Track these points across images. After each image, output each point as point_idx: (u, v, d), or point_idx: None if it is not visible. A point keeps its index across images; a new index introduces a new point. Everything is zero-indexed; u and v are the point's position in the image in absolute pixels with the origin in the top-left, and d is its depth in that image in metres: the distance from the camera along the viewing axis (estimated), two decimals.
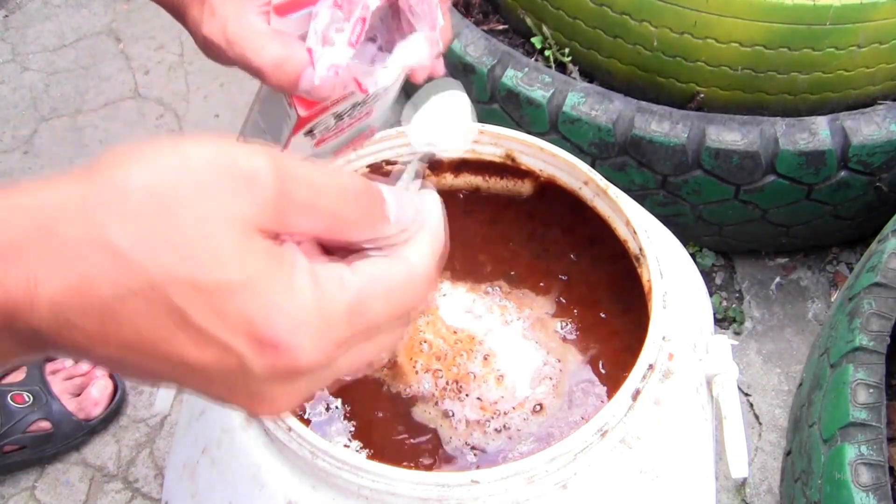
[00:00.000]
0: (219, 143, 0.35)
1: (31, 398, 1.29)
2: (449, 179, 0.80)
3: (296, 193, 0.36)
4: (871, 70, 1.27)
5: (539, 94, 1.31)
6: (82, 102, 1.81)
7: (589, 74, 1.40)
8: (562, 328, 0.79)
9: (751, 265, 1.52)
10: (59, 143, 1.74)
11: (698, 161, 1.27)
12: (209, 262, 0.33)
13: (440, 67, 0.61)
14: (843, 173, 1.27)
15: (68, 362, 1.35)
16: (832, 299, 1.48)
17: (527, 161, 0.76)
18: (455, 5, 1.46)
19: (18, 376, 1.32)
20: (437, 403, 0.74)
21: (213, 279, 0.33)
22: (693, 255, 1.44)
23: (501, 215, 0.82)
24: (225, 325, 0.34)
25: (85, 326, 0.34)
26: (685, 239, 0.87)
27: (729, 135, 1.25)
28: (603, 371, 0.76)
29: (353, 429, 0.73)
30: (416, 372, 0.76)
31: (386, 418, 0.74)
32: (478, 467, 0.70)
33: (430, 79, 0.60)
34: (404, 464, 0.71)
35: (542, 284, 0.82)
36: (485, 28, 1.47)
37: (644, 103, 1.29)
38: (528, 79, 1.32)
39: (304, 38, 0.52)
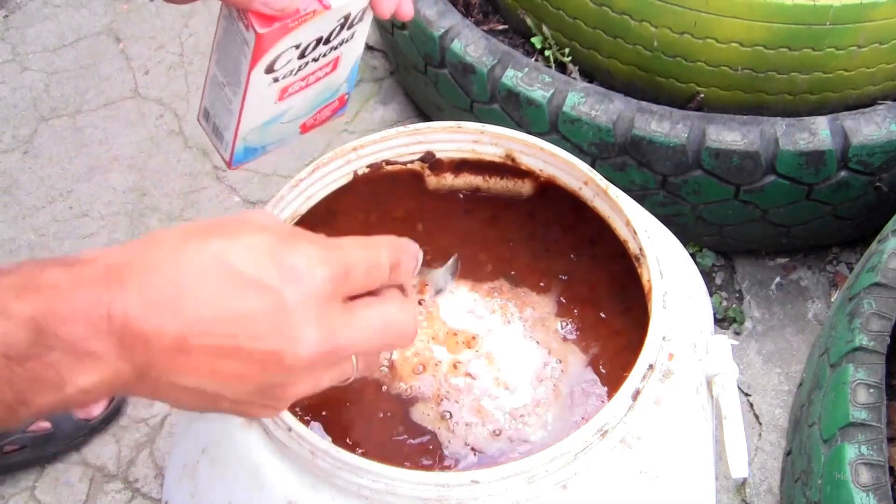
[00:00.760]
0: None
1: None
2: (449, 179, 0.80)
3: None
4: (871, 70, 1.27)
5: (539, 94, 1.31)
6: (82, 102, 1.81)
7: (589, 74, 1.40)
8: (562, 328, 0.79)
9: (751, 265, 1.52)
10: (59, 143, 1.74)
11: (698, 161, 1.27)
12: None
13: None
14: (843, 173, 1.27)
15: None
16: (832, 299, 1.48)
17: (527, 161, 0.76)
18: (455, 5, 1.46)
19: None
20: (437, 404, 0.74)
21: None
22: (693, 255, 1.44)
23: (501, 215, 0.82)
24: (259, 270, 0.43)
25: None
26: (685, 239, 0.87)
27: (729, 135, 1.25)
28: (603, 371, 0.76)
29: (352, 429, 0.73)
30: (417, 372, 0.76)
31: (386, 419, 0.74)
32: (478, 467, 0.70)
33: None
34: (404, 464, 0.71)
35: (542, 284, 0.82)
36: (485, 28, 1.47)
37: (644, 103, 1.29)
38: (528, 79, 1.32)
39: None
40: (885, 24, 1.21)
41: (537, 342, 0.78)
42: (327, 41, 0.59)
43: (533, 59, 1.39)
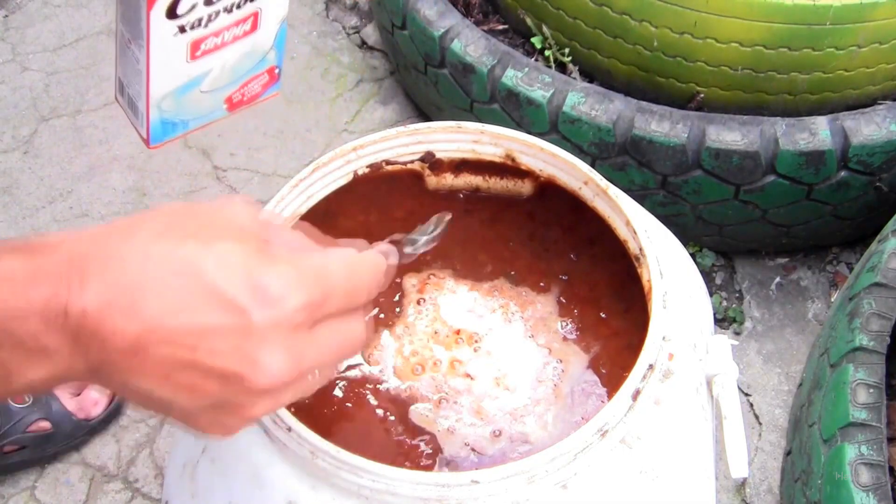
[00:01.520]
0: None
1: (31, 398, 1.28)
2: (449, 179, 0.80)
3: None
4: (871, 70, 1.27)
5: (539, 94, 1.31)
6: (82, 102, 1.81)
7: (589, 74, 1.40)
8: (562, 328, 0.79)
9: (751, 265, 1.52)
10: (59, 143, 1.74)
11: (698, 161, 1.27)
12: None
13: None
14: (843, 173, 1.27)
15: None
16: (832, 299, 1.48)
17: (527, 161, 0.76)
18: (455, 5, 1.46)
19: None
20: (437, 404, 0.74)
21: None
22: (693, 255, 1.44)
23: (501, 215, 0.82)
24: (230, 285, 0.41)
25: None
26: (685, 239, 0.87)
27: (729, 135, 1.25)
28: (603, 371, 0.77)
29: (352, 429, 0.73)
30: (416, 373, 0.76)
31: (385, 419, 0.74)
32: (478, 467, 0.70)
33: None
34: (404, 464, 0.71)
35: (542, 284, 0.82)
36: (485, 28, 1.47)
37: (644, 103, 1.29)
38: (528, 79, 1.32)
39: None
40: (885, 24, 1.21)
41: (537, 342, 0.78)
42: None
43: (533, 59, 1.39)
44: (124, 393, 0.43)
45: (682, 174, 1.29)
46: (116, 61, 0.61)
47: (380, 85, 1.81)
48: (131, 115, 0.62)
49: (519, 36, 1.48)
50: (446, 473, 0.56)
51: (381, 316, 0.79)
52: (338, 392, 0.75)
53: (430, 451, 0.72)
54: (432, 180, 0.80)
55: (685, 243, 0.80)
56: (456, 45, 1.38)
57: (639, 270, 0.68)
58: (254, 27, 0.59)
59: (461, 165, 0.79)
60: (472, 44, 1.37)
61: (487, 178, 0.80)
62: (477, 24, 1.46)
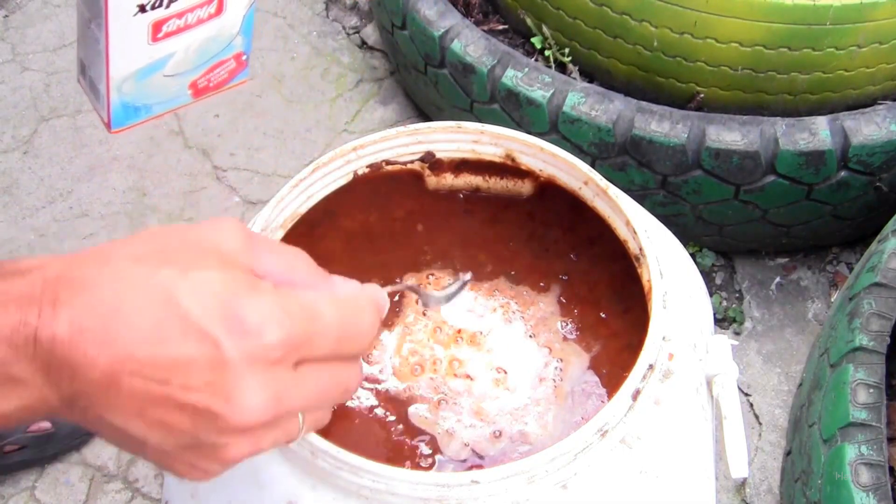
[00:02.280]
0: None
1: None
2: (449, 179, 0.80)
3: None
4: (871, 70, 1.27)
5: (539, 94, 1.31)
6: (82, 102, 1.81)
7: (589, 74, 1.40)
8: (562, 328, 0.79)
9: (751, 265, 1.52)
10: (59, 143, 1.74)
11: (698, 161, 1.27)
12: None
13: None
14: (843, 173, 1.27)
15: None
16: (832, 299, 1.48)
17: (527, 161, 0.76)
18: (455, 5, 1.47)
19: None
20: (437, 404, 0.74)
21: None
22: (693, 255, 1.44)
23: (501, 215, 0.82)
24: (204, 315, 0.38)
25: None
26: (685, 239, 0.87)
27: (729, 135, 1.25)
28: (603, 371, 0.77)
29: (351, 429, 0.73)
30: (415, 373, 0.76)
31: (385, 419, 0.74)
32: (478, 468, 0.70)
33: None
34: (404, 464, 0.71)
35: (542, 284, 0.82)
36: (485, 28, 1.47)
37: (644, 103, 1.29)
38: (528, 79, 1.32)
39: None
40: (885, 24, 1.21)
41: (538, 342, 0.78)
42: None
43: (533, 59, 1.39)
44: (99, 429, 0.40)
45: (682, 174, 1.29)
46: (78, 41, 0.59)
47: (380, 85, 1.81)
48: (93, 97, 0.61)
49: (519, 36, 1.48)
50: (446, 473, 0.56)
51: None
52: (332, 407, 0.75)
53: (430, 452, 0.72)
54: (432, 180, 0.80)
55: (685, 243, 0.80)
56: (456, 45, 1.38)
57: (639, 270, 0.68)
58: (219, 10, 0.57)
59: (461, 165, 0.79)
60: (472, 44, 1.37)
61: (487, 178, 0.80)
62: (477, 24, 1.46)
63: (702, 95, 1.32)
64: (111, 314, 0.38)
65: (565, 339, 0.79)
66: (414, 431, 0.73)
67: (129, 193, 1.67)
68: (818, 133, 1.24)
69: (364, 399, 0.75)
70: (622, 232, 0.70)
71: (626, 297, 0.76)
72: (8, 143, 1.74)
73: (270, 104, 1.76)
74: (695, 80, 1.30)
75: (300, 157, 1.67)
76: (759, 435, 1.36)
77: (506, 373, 0.76)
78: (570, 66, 1.40)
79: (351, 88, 1.80)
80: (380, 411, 0.74)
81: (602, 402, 0.75)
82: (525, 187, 0.79)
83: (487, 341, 0.78)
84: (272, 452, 0.60)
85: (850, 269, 1.50)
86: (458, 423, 0.73)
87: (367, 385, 0.76)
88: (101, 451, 1.35)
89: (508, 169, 0.78)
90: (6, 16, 1.97)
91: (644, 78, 1.34)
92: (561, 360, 0.77)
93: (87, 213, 1.64)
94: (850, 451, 0.91)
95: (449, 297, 0.59)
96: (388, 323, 0.80)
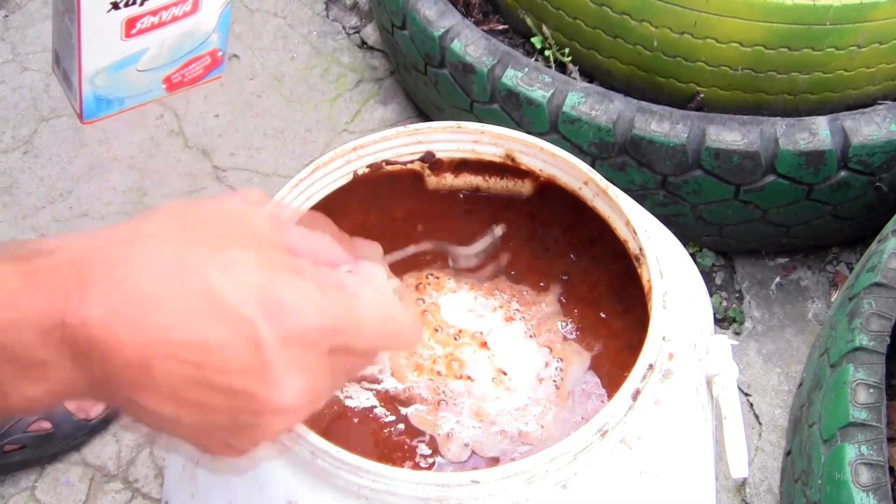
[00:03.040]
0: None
1: None
2: (449, 179, 0.80)
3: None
4: (871, 70, 1.27)
5: (539, 94, 1.31)
6: None
7: (589, 74, 1.40)
8: (562, 328, 0.79)
9: (751, 265, 1.52)
10: (59, 143, 1.74)
11: (698, 161, 1.27)
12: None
13: None
14: (843, 173, 1.27)
15: None
16: (832, 299, 1.48)
17: (527, 161, 0.76)
18: (455, 5, 1.46)
19: None
20: (437, 404, 0.74)
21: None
22: (693, 255, 1.44)
23: (501, 215, 0.82)
24: (240, 297, 0.38)
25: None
26: (685, 239, 0.87)
27: (729, 135, 1.25)
28: (603, 371, 0.77)
29: (351, 430, 0.73)
30: (417, 372, 0.76)
31: (385, 419, 0.74)
32: (478, 468, 0.70)
33: None
34: (404, 464, 0.71)
35: (542, 284, 0.82)
36: (485, 28, 1.47)
37: (644, 103, 1.29)
38: (528, 79, 1.32)
39: None
40: (885, 24, 1.21)
41: (538, 342, 0.78)
42: None
43: (533, 59, 1.39)
44: (129, 410, 0.40)
45: (682, 174, 1.29)
46: (53, 32, 0.59)
47: (380, 85, 1.81)
48: (66, 88, 0.61)
49: (519, 36, 1.48)
50: (446, 473, 0.56)
51: None
52: (337, 392, 0.75)
53: (430, 452, 0.72)
54: (432, 180, 0.80)
55: (685, 243, 0.80)
56: (456, 45, 1.38)
57: (639, 270, 0.68)
58: (194, 8, 0.58)
59: (461, 165, 0.79)
60: (472, 44, 1.37)
61: (487, 178, 0.80)
62: (477, 24, 1.46)
63: (702, 95, 1.32)
64: (142, 297, 0.37)
65: (565, 338, 0.79)
66: (414, 432, 0.73)
67: (129, 193, 1.66)
68: (818, 133, 1.24)
69: (364, 399, 0.75)
70: (622, 232, 0.71)
71: (627, 297, 0.76)
72: (8, 143, 1.74)
73: (270, 104, 1.76)
74: (695, 80, 1.30)
75: (300, 157, 1.67)
76: (759, 435, 1.36)
77: (506, 373, 0.76)
78: (570, 66, 1.40)
79: (351, 88, 1.80)
80: (379, 411, 0.74)
81: (602, 402, 0.75)
82: (525, 187, 0.79)
83: (489, 341, 0.78)
84: (272, 453, 0.60)
85: (850, 269, 1.49)
86: (458, 423, 0.73)
87: (366, 385, 0.76)
88: (101, 451, 1.35)
89: (508, 169, 0.78)
90: (6, 16, 1.97)
91: (644, 78, 1.34)
92: (561, 359, 0.77)
93: (87, 213, 1.64)
94: (850, 451, 0.91)
95: (478, 253, 0.59)
96: None
